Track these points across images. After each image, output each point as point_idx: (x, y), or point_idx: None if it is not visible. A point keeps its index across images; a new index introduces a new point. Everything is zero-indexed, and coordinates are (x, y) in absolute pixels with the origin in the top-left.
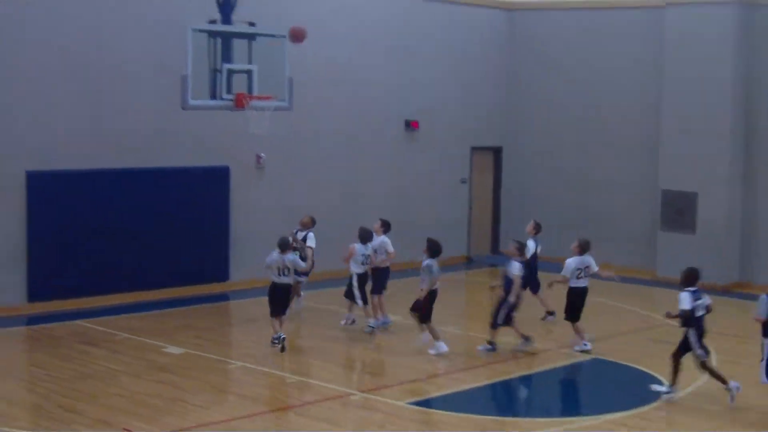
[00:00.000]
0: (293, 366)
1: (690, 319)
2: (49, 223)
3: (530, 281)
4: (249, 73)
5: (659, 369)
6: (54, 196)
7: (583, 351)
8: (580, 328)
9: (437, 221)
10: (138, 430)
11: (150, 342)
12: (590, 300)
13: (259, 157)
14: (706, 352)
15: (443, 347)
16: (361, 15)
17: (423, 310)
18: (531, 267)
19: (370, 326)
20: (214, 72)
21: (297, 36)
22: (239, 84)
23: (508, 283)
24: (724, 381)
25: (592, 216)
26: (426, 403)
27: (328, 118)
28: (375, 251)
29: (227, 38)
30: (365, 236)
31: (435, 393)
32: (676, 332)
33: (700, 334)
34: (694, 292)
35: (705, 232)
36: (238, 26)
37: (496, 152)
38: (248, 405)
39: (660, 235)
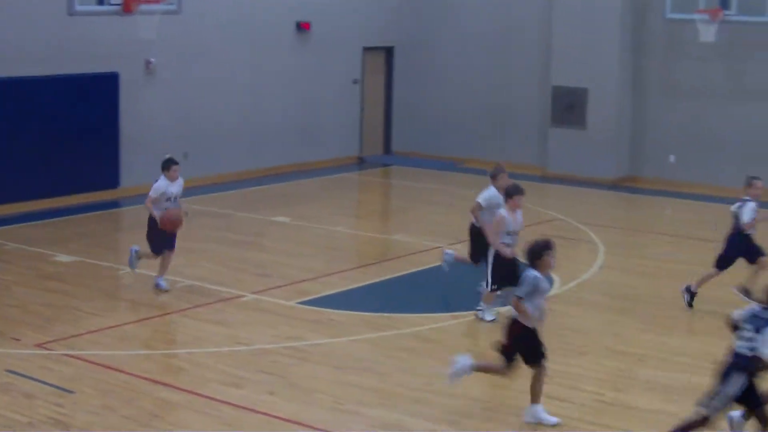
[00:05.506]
0: (185, 270)
1: None
2: None
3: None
4: None
5: None
6: None
7: None
8: None
9: (330, 122)
10: (29, 339)
11: (40, 251)
12: None
13: (148, 62)
14: None
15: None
16: None
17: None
18: None
19: None
20: None
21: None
22: None
23: None
24: None
25: (486, 114)
26: (315, 302)
27: (219, 21)
28: None
29: None
30: None
31: (324, 292)
32: None
33: None
34: None
35: (595, 128)
36: None
37: (388, 52)
38: (140, 310)
39: (550, 131)
